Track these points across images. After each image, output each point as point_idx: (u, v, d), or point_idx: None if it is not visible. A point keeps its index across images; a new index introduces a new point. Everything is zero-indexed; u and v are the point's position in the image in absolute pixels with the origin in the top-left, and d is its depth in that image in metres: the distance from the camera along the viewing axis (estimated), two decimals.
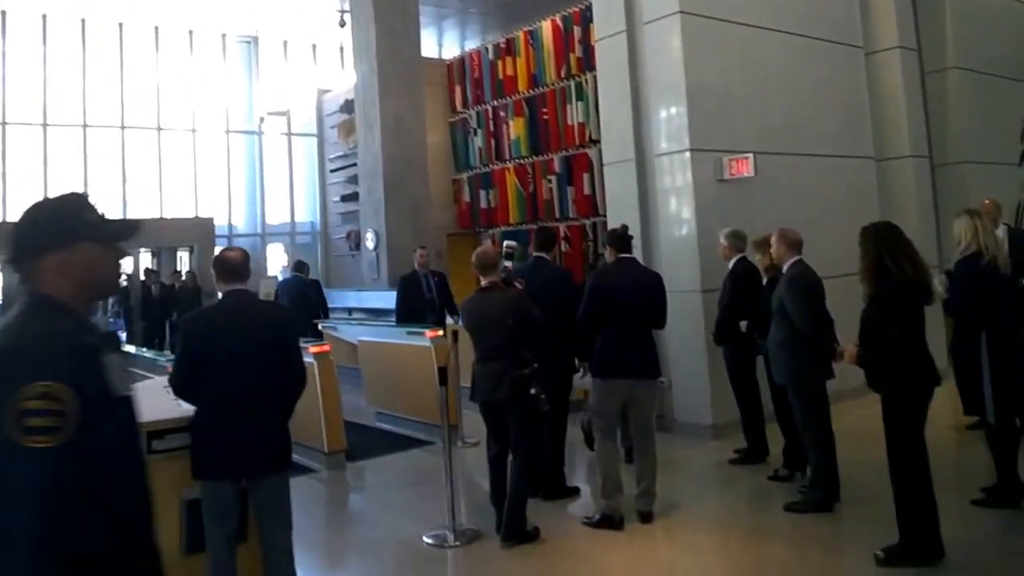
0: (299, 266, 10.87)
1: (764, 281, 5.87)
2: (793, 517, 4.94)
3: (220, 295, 3.79)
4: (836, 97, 8.72)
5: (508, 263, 5.57)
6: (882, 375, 4.14)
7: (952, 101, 10.12)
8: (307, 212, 18.46)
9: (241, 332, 3.60)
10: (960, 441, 6.50)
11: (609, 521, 4.91)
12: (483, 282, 5.03)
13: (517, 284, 5.27)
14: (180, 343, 3.75)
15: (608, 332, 5.08)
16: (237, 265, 3.77)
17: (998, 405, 4.75)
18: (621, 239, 5.32)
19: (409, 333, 8.06)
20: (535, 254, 5.95)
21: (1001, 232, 5.75)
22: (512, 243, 5.96)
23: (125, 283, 14.73)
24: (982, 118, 10.28)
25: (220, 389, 3.56)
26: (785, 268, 5.19)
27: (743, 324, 5.89)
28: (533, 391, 4.72)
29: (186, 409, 3.72)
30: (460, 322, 5.87)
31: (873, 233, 4.20)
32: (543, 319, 4.92)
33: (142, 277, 15.37)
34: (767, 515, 4.95)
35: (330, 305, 11.40)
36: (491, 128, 14.13)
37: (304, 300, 10.15)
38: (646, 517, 4.99)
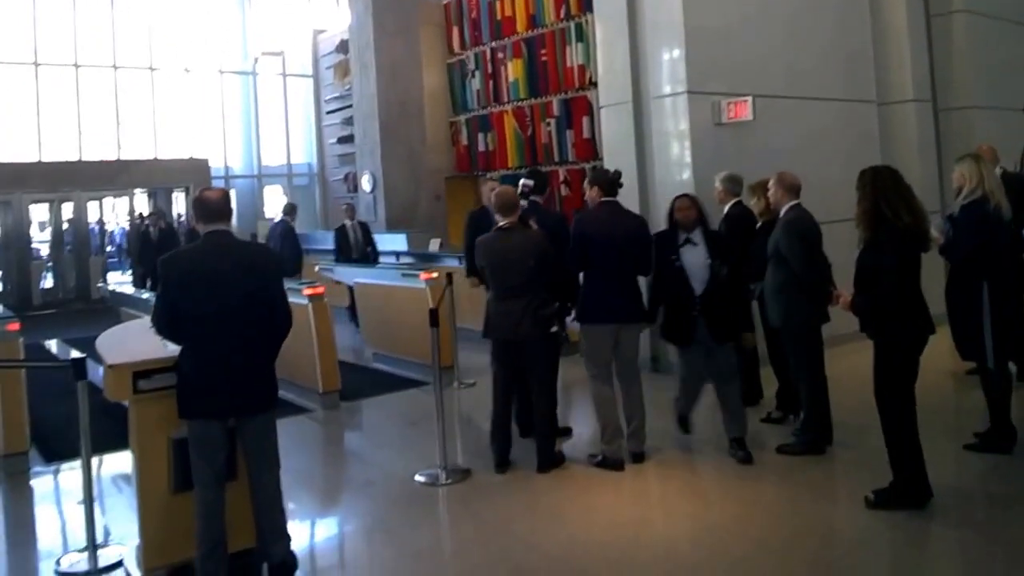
0: (288, 209, 10.99)
1: (759, 225, 5.83)
2: (785, 459, 4.99)
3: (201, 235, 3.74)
4: (838, 40, 8.55)
5: (524, 202, 5.57)
6: (876, 322, 4.13)
7: (958, 45, 9.90)
8: (304, 154, 18.34)
9: (221, 272, 3.57)
10: (955, 387, 6.56)
11: (611, 463, 4.97)
12: (502, 222, 5.07)
13: (532, 225, 5.26)
14: (160, 284, 3.70)
15: (591, 277, 5.08)
16: (217, 204, 3.71)
17: (997, 351, 4.76)
18: (612, 184, 5.24)
19: (404, 275, 8.08)
20: (531, 199, 5.87)
21: (998, 176, 5.69)
22: (528, 181, 5.89)
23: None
24: (988, 63, 10.08)
25: (203, 329, 3.55)
26: (782, 212, 5.13)
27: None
28: (554, 329, 4.93)
29: (172, 349, 3.72)
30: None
31: (871, 177, 4.14)
32: (562, 262, 5.09)
33: (139, 219, 15.29)
34: (760, 457, 4.96)
35: (330, 247, 11.38)
36: (489, 70, 13.88)
37: (292, 242, 10.45)
38: (637, 457, 5.05)
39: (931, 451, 4.17)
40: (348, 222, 10.57)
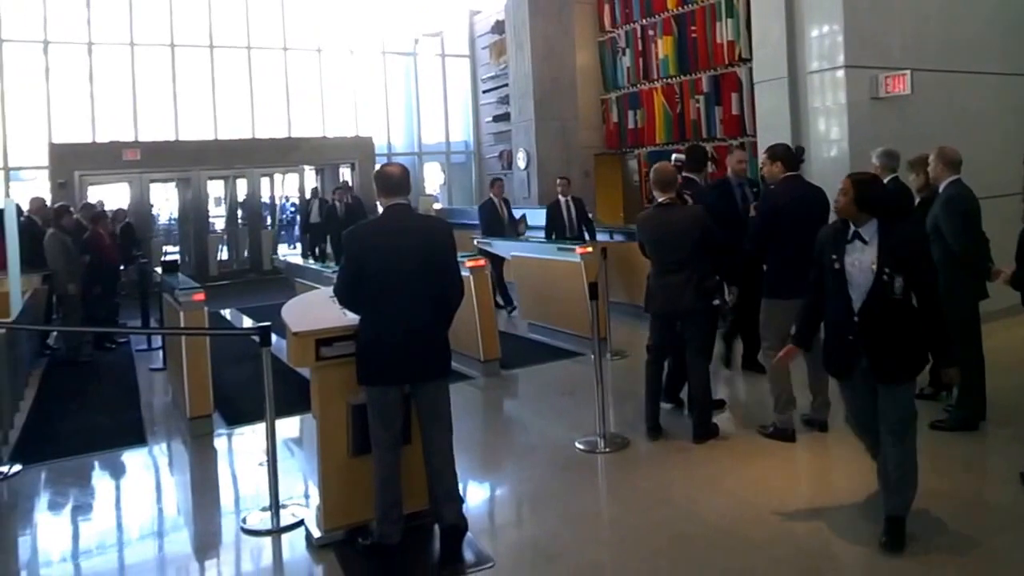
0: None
1: (917, 201, 5.79)
2: (939, 435, 4.96)
3: (380, 209, 3.86)
4: (997, 12, 8.18)
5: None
6: None
7: None
8: (461, 132, 18.96)
9: (402, 245, 3.67)
10: None
11: (783, 434, 5.06)
12: (661, 198, 5.21)
13: (687, 198, 5.39)
14: (344, 255, 3.80)
15: (781, 251, 5.07)
16: (398, 179, 3.82)
17: None
18: (795, 159, 5.33)
19: (560, 249, 8.36)
20: (684, 175, 5.97)
21: None
22: (681, 156, 6.10)
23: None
24: None
25: (383, 299, 3.66)
26: (942, 188, 5.07)
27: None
28: (716, 301, 4.99)
29: (352, 318, 3.86)
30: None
31: None
32: (723, 236, 5.17)
33: (323, 194, 16.05)
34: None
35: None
36: (639, 47, 13.95)
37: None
38: (822, 426, 5.13)
39: None
40: (494, 199, 10.73)
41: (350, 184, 16.36)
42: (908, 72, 7.03)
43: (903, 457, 3.64)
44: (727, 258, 5.33)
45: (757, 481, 4.54)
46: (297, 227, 17.01)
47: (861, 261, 3.64)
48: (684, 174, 5.97)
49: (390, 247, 3.68)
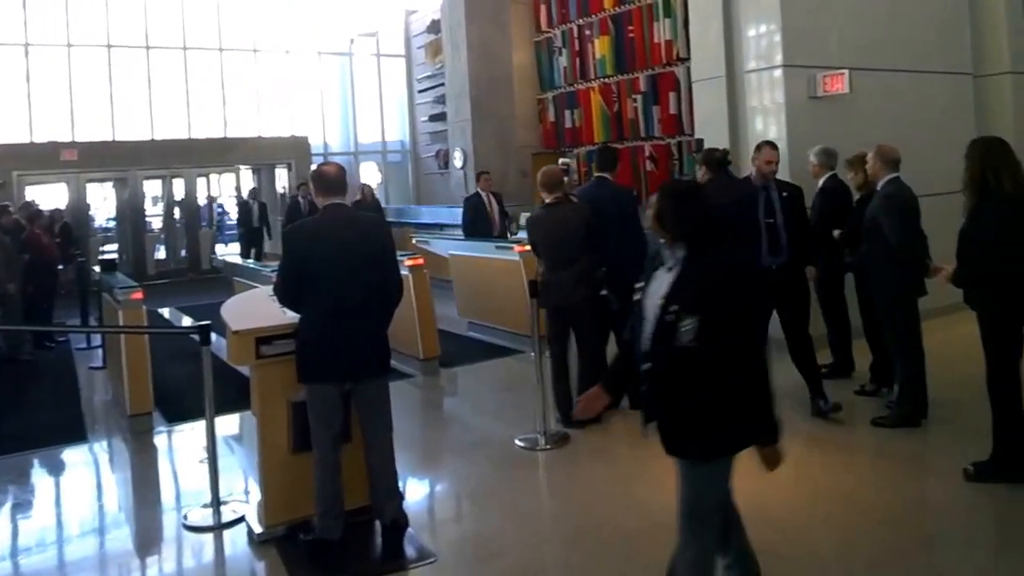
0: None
1: (856, 199, 5.85)
2: (880, 431, 4.99)
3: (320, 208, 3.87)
4: (933, 11, 8.36)
5: (567, 178, 5.99)
6: (980, 292, 4.14)
7: None
8: (397, 131, 18.82)
9: (342, 243, 3.70)
10: None
11: None
12: (549, 199, 5.46)
13: (573, 198, 5.62)
14: (284, 254, 3.85)
15: None
16: (334, 178, 3.86)
17: None
18: (719, 162, 5.41)
19: (498, 247, 8.34)
20: (596, 174, 6.04)
21: None
22: (568, 161, 6.22)
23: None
24: None
25: (323, 297, 3.67)
26: (880, 185, 5.10)
27: (836, 232, 5.80)
28: (604, 292, 5.16)
29: (292, 316, 3.87)
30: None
31: (980, 147, 4.16)
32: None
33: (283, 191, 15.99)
34: (854, 429, 5.00)
35: (423, 221, 11.75)
36: (576, 47, 13.96)
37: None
38: None
39: None
40: (482, 193, 9.98)
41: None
42: (846, 71, 7.11)
43: (684, 566, 2.70)
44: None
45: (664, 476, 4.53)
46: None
47: (655, 292, 2.65)
48: (600, 174, 5.95)
49: (330, 245, 3.69)
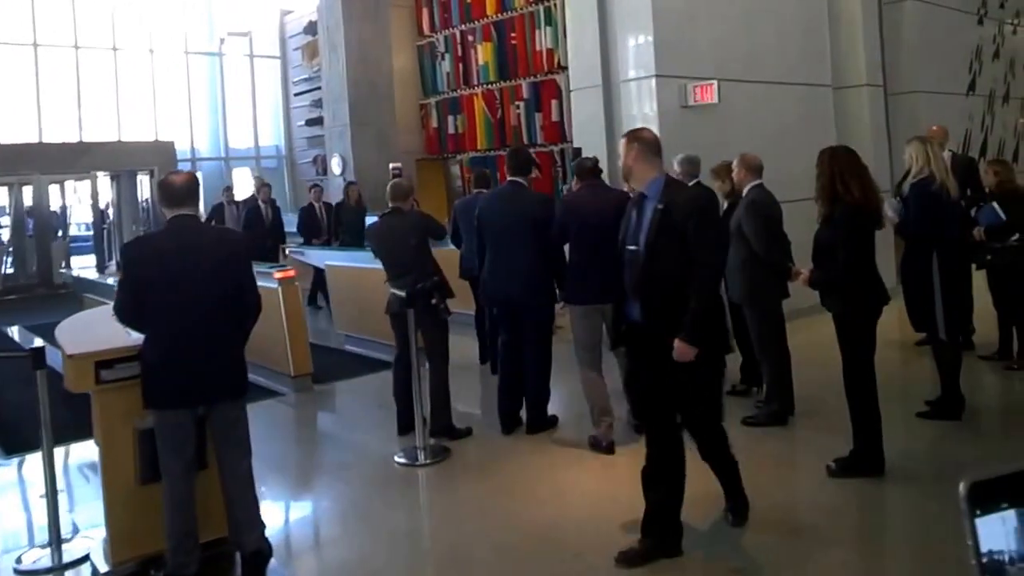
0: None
1: (724, 206, 5.95)
2: (750, 430, 5.09)
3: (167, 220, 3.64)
4: (797, 26, 8.76)
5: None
6: (833, 295, 4.30)
7: (907, 32, 10.28)
8: (272, 136, 18.16)
9: (187, 257, 3.47)
10: (907, 357, 6.78)
11: (598, 445, 4.94)
12: (391, 207, 5.51)
13: (415, 205, 5.75)
14: (122, 269, 3.65)
15: (577, 257, 5.07)
16: (180, 189, 3.58)
17: (948, 322, 4.96)
18: (589, 171, 5.34)
19: (375, 257, 8.05)
20: (509, 178, 5.61)
21: (947, 157, 5.91)
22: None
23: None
24: (934, 49, 10.49)
25: (167, 316, 3.46)
26: (745, 192, 5.29)
27: None
28: (434, 301, 5.09)
29: (136, 337, 3.62)
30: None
31: (829, 156, 4.30)
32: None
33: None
34: (725, 428, 5.07)
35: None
36: (459, 53, 13.89)
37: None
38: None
39: (885, 419, 4.31)
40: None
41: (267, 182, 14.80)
42: (715, 82, 7.31)
43: None
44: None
45: (573, 489, 4.53)
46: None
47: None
48: (513, 178, 5.55)
49: (175, 262, 3.46)
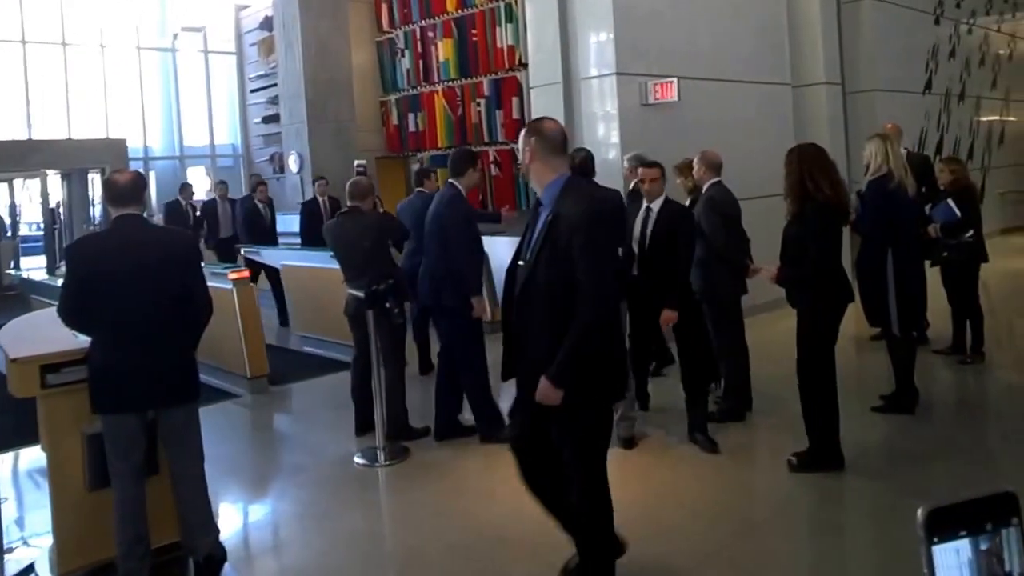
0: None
1: (687, 203, 5.95)
2: (710, 426, 5.07)
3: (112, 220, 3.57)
4: (757, 24, 8.85)
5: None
6: (802, 292, 4.32)
7: (865, 31, 10.44)
8: (228, 134, 17.80)
9: (134, 260, 3.39)
10: (861, 351, 6.90)
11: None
12: (349, 206, 5.47)
13: (378, 206, 5.70)
14: (66, 270, 3.51)
15: None
16: (124, 187, 3.50)
17: (902, 318, 5.02)
18: (577, 168, 5.21)
19: (332, 257, 7.93)
20: (448, 180, 5.42)
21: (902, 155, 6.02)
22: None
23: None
24: (891, 48, 10.67)
25: (113, 317, 3.38)
26: (704, 189, 5.32)
27: None
28: (388, 304, 5.03)
29: (83, 340, 3.55)
30: None
31: (798, 154, 4.32)
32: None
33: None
34: (683, 425, 5.09)
35: None
36: (419, 49, 13.74)
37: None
38: (627, 443, 4.93)
39: (841, 413, 4.36)
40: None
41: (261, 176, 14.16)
42: (675, 80, 7.32)
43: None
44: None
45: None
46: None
47: None
48: (451, 180, 5.36)
49: (118, 260, 3.39)
